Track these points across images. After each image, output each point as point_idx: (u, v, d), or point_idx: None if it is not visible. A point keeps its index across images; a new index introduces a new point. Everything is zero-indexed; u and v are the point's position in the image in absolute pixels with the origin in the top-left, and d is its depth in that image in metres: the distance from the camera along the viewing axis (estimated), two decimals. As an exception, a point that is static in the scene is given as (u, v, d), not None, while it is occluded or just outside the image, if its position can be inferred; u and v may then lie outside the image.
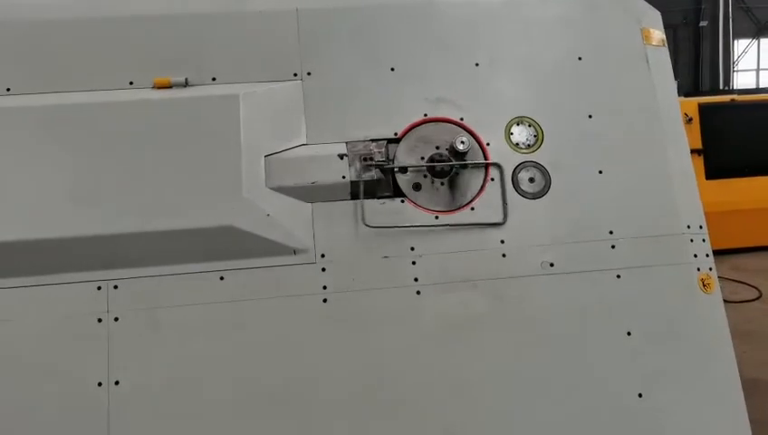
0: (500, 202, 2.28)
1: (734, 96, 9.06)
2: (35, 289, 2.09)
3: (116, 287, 2.12)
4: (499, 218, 2.26)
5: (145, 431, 2.05)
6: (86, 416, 2.03)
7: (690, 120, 7.55)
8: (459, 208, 2.27)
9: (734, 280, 6.67)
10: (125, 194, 2.12)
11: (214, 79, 2.27)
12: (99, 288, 2.11)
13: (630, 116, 2.40)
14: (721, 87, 22.84)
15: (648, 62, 2.46)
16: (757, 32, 25.93)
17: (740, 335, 2.31)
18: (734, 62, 24.72)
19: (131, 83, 2.24)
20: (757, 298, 6.32)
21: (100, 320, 2.09)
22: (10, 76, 2.21)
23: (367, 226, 2.20)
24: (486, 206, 2.28)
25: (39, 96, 2.20)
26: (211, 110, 2.21)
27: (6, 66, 2.22)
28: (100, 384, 2.05)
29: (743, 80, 26.35)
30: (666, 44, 2.59)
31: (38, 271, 2.10)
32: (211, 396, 2.08)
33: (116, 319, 2.10)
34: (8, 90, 2.20)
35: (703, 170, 7.54)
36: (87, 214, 2.10)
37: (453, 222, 2.25)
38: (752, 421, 2.18)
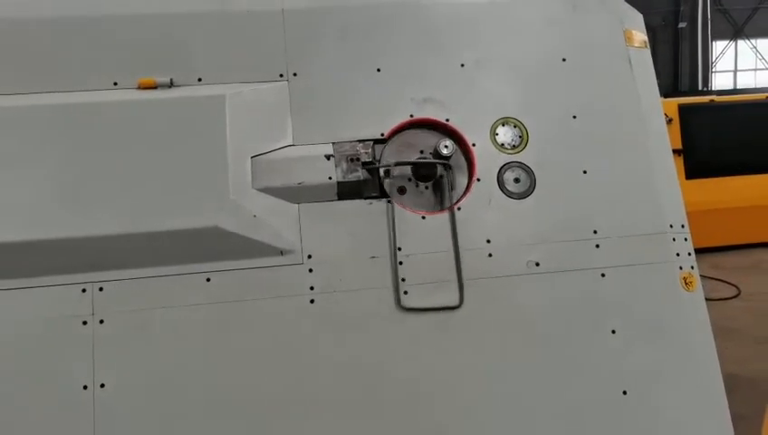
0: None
1: (713, 97, 9.22)
2: (19, 292, 2.06)
3: (101, 289, 2.10)
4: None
5: (131, 434, 2.03)
6: (71, 419, 2.01)
7: (670, 120, 7.67)
8: (445, 209, 2.29)
9: (713, 278, 6.79)
10: (110, 195, 2.10)
11: (199, 80, 2.26)
12: (83, 290, 2.09)
13: (614, 116, 2.43)
14: (700, 88, 23.20)
15: (630, 63, 2.50)
16: (734, 34, 26.38)
17: (719, 332, 2.35)
18: (712, 64, 25.13)
19: (116, 84, 2.22)
20: (736, 296, 6.45)
21: (85, 322, 2.07)
22: None
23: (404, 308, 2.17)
24: (472, 207, 2.29)
25: (21, 97, 2.16)
26: (197, 111, 2.20)
27: None
28: (85, 387, 2.03)
29: (720, 81, 26.80)
30: (648, 46, 2.63)
31: (22, 273, 2.07)
32: (198, 398, 2.07)
33: (101, 321, 2.08)
34: None
35: (683, 170, 7.66)
36: (71, 215, 2.07)
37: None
38: (732, 416, 2.23)
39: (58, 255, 2.07)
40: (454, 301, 2.20)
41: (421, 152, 2.31)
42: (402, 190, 2.30)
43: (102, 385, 2.03)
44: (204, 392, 2.07)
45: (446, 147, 2.23)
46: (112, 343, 2.07)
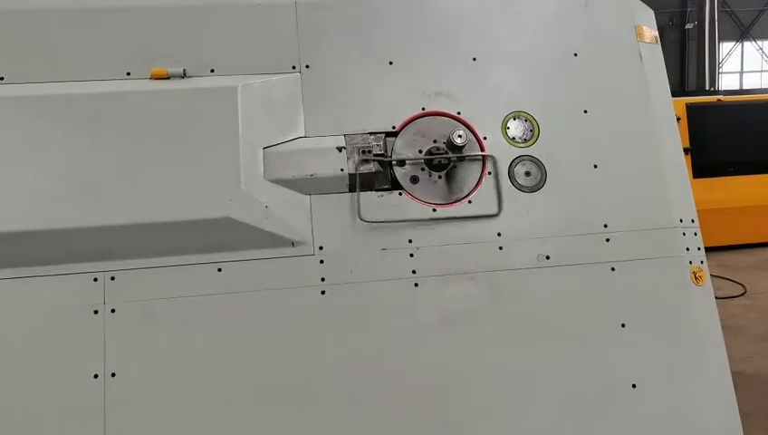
0: (497, 195, 2.30)
1: (720, 96, 9.19)
2: (31, 280, 2.08)
3: (113, 279, 2.11)
4: (494, 210, 2.28)
5: (141, 423, 2.04)
6: (82, 408, 2.02)
7: (678, 119, 7.65)
8: (456, 201, 2.29)
9: (720, 277, 6.78)
10: (122, 185, 2.11)
11: (212, 70, 2.26)
12: (95, 280, 2.10)
13: (624, 111, 2.43)
14: (707, 88, 23.13)
15: (641, 58, 2.50)
16: (741, 35, 26.30)
17: (725, 330, 2.35)
18: (718, 64, 25.03)
19: (129, 74, 2.23)
20: (742, 294, 6.44)
21: (96, 311, 2.08)
22: (4, 65, 2.18)
23: (363, 220, 2.21)
24: (483, 199, 2.30)
25: (34, 86, 2.17)
26: (209, 101, 2.20)
27: (1, 55, 2.19)
28: (96, 376, 2.04)
29: (727, 82, 26.72)
30: (658, 42, 2.63)
31: (34, 262, 2.08)
32: (208, 388, 2.08)
33: (112, 311, 2.09)
34: (2, 78, 2.17)
35: (690, 169, 7.66)
36: (84, 205, 2.08)
37: (450, 215, 2.27)
38: (737, 413, 2.23)
39: (70, 244, 2.08)
40: (464, 293, 2.20)
41: (434, 142, 2.31)
42: (415, 180, 2.30)
43: (113, 374, 2.04)
44: (214, 382, 2.08)
45: (459, 136, 2.23)
46: (123, 332, 2.08)
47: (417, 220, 2.24)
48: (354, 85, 2.32)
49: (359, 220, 2.21)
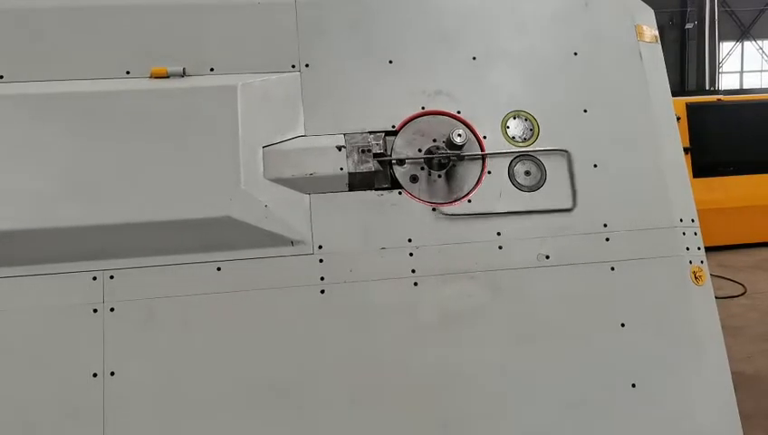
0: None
1: (721, 96, 9.19)
2: (30, 279, 2.07)
3: (112, 277, 2.10)
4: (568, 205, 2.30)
5: (141, 422, 2.04)
6: (81, 407, 2.02)
7: (678, 119, 7.66)
8: (456, 201, 2.29)
9: (720, 276, 6.78)
10: (122, 184, 2.11)
11: (212, 69, 2.26)
12: (94, 278, 2.10)
13: (624, 110, 2.43)
14: (707, 87, 23.12)
15: (641, 57, 2.49)
16: (741, 35, 26.31)
17: (725, 330, 2.35)
18: (719, 64, 25.04)
19: (128, 73, 2.23)
20: (742, 294, 6.44)
21: (95, 310, 2.08)
22: (4, 63, 2.18)
23: (442, 213, 2.23)
24: (483, 198, 2.29)
25: (34, 84, 2.17)
26: (209, 100, 2.20)
27: (0, 53, 2.19)
28: (95, 375, 2.03)
29: (727, 82, 26.73)
30: (658, 41, 2.62)
31: (33, 261, 2.08)
32: (207, 387, 2.07)
33: (112, 309, 2.08)
34: (1, 77, 2.17)
35: (690, 169, 7.66)
36: (83, 204, 2.08)
37: (519, 208, 2.28)
38: (737, 414, 2.22)
39: (69, 242, 2.08)
40: (464, 292, 2.20)
41: (434, 141, 2.31)
42: (415, 179, 2.30)
43: (112, 373, 2.04)
44: (213, 382, 2.08)
45: (459, 135, 2.23)
46: (122, 331, 2.07)
47: (501, 213, 2.25)
48: (354, 84, 2.32)
49: (439, 213, 2.25)
